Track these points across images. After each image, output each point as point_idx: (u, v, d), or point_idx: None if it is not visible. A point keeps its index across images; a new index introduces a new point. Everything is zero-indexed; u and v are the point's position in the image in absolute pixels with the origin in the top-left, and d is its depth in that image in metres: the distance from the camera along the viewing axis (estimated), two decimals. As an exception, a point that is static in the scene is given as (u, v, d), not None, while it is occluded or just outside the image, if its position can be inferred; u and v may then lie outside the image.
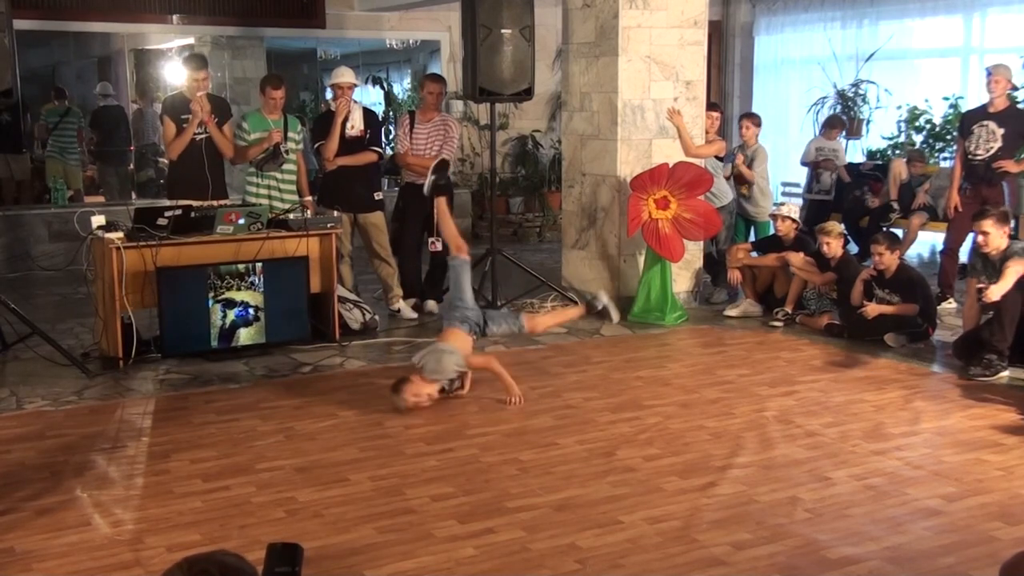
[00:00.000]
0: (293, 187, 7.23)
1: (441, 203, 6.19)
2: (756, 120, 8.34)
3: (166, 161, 7.49)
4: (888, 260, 6.53)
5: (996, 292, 5.77)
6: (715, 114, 7.92)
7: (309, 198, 7.29)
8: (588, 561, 3.52)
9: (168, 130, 7.02)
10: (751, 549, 3.60)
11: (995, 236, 5.92)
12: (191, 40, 11.11)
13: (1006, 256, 5.84)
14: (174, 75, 10.97)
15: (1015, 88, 7.69)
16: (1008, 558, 2.07)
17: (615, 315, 6.18)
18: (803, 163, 10.21)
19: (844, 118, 10.76)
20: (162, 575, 1.76)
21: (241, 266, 6.21)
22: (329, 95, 7.84)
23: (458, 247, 5.74)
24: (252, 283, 6.24)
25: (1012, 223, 6.20)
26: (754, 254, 7.64)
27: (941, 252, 7.91)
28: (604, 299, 5.99)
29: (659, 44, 7.32)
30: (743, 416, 5.12)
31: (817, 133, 10.66)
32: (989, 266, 5.94)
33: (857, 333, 6.58)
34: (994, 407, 5.27)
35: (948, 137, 10.24)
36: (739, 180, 8.19)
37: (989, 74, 7.34)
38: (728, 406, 5.29)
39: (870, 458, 4.52)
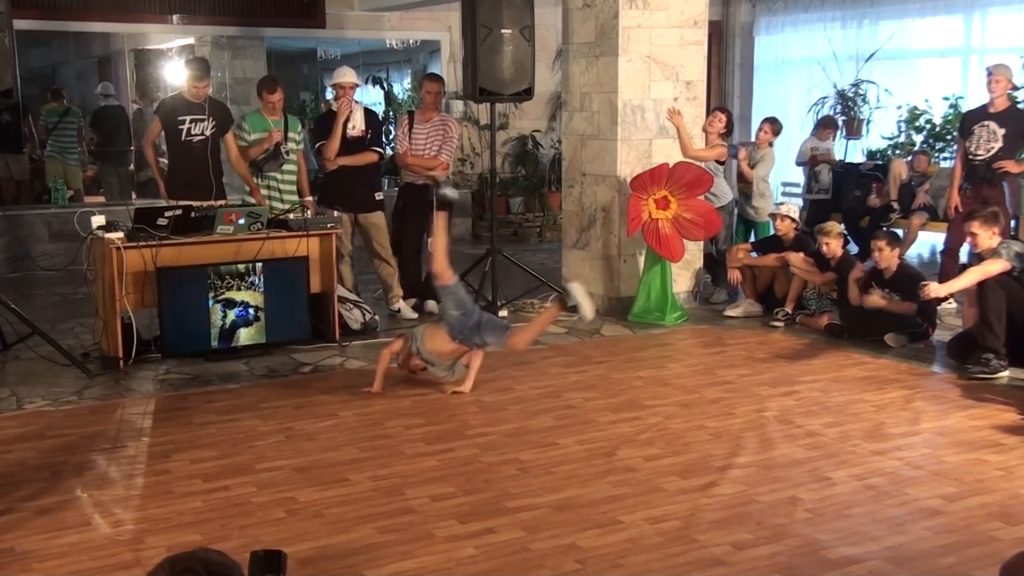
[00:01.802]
0: (293, 187, 7.24)
1: (440, 218, 5.75)
2: (776, 127, 8.33)
3: (166, 161, 7.50)
4: (888, 257, 6.53)
5: (940, 289, 5.83)
6: (721, 115, 7.89)
7: (309, 198, 7.30)
8: (588, 561, 3.51)
9: (153, 128, 7.13)
10: (751, 549, 3.60)
11: (983, 237, 5.94)
12: (191, 40, 11.12)
13: (992, 256, 5.86)
14: (174, 75, 10.98)
15: (1015, 88, 7.68)
16: (1008, 558, 2.07)
17: (588, 311, 5.36)
18: (799, 163, 10.23)
19: (839, 120, 10.78)
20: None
21: (241, 266, 6.21)
22: (330, 95, 7.84)
23: (440, 273, 5.51)
24: (252, 283, 6.24)
25: (1012, 223, 6.21)
26: (754, 254, 7.64)
27: (941, 252, 7.91)
28: (577, 293, 5.30)
29: (659, 44, 7.32)
30: (743, 416, 5.12)
31: (811, 133, 10.67)
32: None
33: (858, 332, 6.58)
34: (994, 407, 5.27)
35: (948, 137, 10.25)
36: (742, 178, 8.20)
37: (989, 74, 7.33)
38: (728, 406, 5.29)
39: (870, 458, 4.51)
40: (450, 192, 5.76)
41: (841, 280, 6.96)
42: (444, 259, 5.56)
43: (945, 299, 7.41)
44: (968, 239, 6.06)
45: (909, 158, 9.85)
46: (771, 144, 8.27)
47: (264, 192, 7.11)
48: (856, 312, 6.62)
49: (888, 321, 6.49)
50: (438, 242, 5.63)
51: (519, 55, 7.17)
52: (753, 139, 8.47)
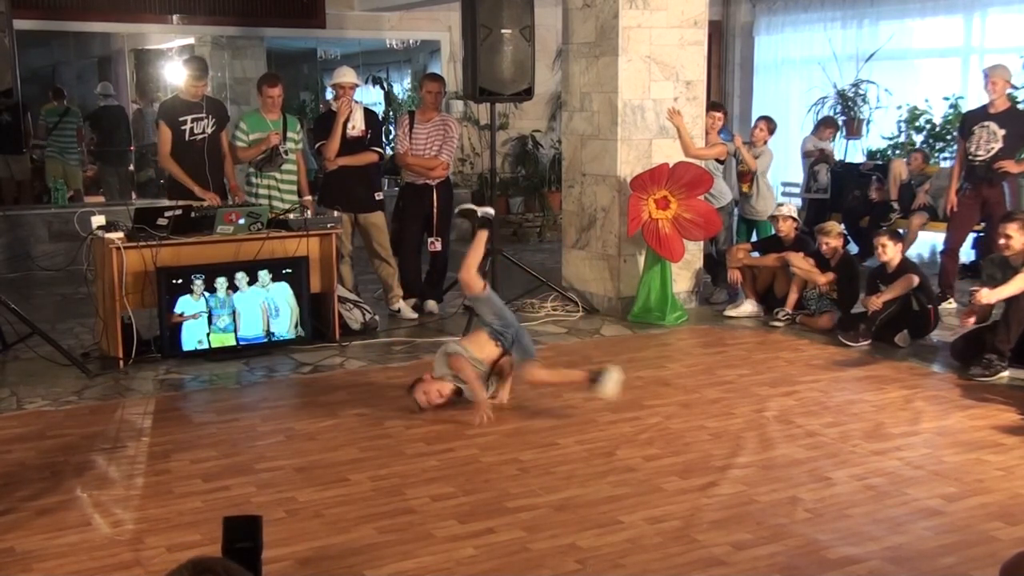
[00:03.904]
0: (293, 187, 7.23)
1: (481, 235, 5.65)
2: (771, 126, 8.32)
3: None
4: (891, 253, 6.52)
5: (991, 295, 5.76)
6: (718, 115, 7.90)
7: (309, 198, 7.30)
8: (588, 561, 3.52)
9: (164, 136, 6.95)
10: (751, 549, 3.60)
11: (1018, 240, 5.88)
12: (191, 40, 11.12)
13: None
14: (174, 75, 10.98)
15: (1014, 88, 7.67)
16: (1008, 558, 2.07)
17: (611, 394, 5.13)
18: (804, 153, 10.24)
19: (839, 120, 10.79)
20: (168, 574, 1.71)
21: (241, 266, 6.21)
22: (330, 95, 7.84)
23: (468, 283, 5.40)
24: (252, 283, 6.24)
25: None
26: (754, 254, 7.63)
27: (941, 252, 7.91)
28: (613, 376, 5.12)
29: (659, 44, 7.31)
30: (743, 416, 5.12)
31: (811, 132, 10.67)
32: (1011, 270, 5.86)
33: (879, 335, 6.54)
34: (994, 407, 5.27)
35: (948, 137, 10.25)
36: (742, 177, 8.18)
37: (986, 76, 7.34)
38: (728, 406, 5.29)
39: (870, 458, 4.52)
40: (488, 212, 5.81)
41: (841, 280, 6.96)
42: (473, 271, 5.41)
43: (945, 299, 7.46)
44: (1001, 240, 6.00)
45: (906, 158, 9.85)
46: (766, 143, 8.26)
47: (264, 192, 7.11)
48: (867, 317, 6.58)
49: (898, 320, 6.47)
50: (473, 256, 5.48)
51: (519, 55, 7.16)
52: (749, 139, 8.45)
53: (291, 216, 6.62)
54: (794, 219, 7.38)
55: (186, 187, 6.91)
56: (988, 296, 5.79)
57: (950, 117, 10.31)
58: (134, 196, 11.16)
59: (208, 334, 6.14)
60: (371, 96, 12.24)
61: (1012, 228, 5.91)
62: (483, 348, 5.21)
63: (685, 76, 7.45)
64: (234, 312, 6.19)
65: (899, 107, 10.88)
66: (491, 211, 5.91)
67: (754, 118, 10.46)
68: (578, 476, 4.31)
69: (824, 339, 6.70)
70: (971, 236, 8.30)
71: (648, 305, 7.23)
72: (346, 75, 7.25)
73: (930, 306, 6.53)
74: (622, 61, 7.22)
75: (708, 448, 4.66)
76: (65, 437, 4.85)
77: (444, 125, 7.48)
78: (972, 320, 5.95)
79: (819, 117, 10.96)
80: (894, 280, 6.51)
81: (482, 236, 5.61)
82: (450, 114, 9.41)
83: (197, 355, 6.15)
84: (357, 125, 7.24)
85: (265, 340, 6.32)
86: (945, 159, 10.16)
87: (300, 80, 13.16)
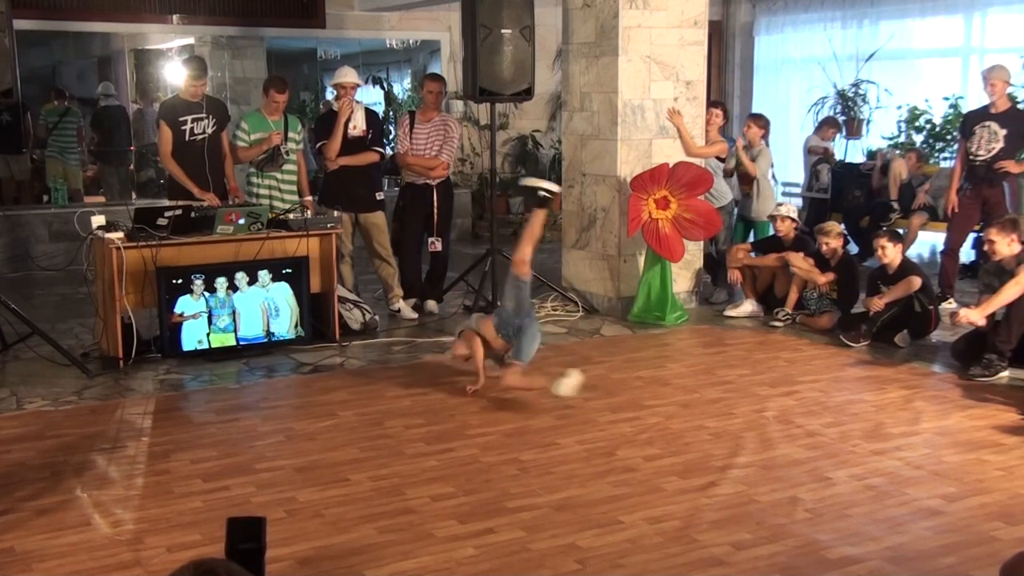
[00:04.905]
0: (294, 187, 7.24)
1: (538, 215, 5.61)
2: (761, 122, 8.28)
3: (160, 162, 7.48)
4: (891, 254, 6.52)
5: (971, 314, 5.73)
6: (717, 111, 7.89)
7: (309, 198, 7.30)
8: (588, 561, 3.52)
9: (164, 136, 6.93)
10: (751, 549, 3.60)
11: (1001, 244, 5.86)
12: (191, 40, 11.12)
13: (1020, 262, 5.80)
14: (174, 75, 10.99)
15: (1013, 87, 7.67)
16: (1008, 558, 2.07)
17: (564, 388, 5.18)
18: (808, 149, 10.23)
19: (839, 119, 10.80)
20: (170, 575, 1.73)
21: (241, 266, 6.21)
22: (331, 95, 7.84)
23: (520, 263, 5.46)
24: (253, 283, 6.24)
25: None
26: (754, 254, 7.63)
27: (941, 252, 7.91)
28: (573, 378, 5.22)
29: (659, 44, 7.31)
30: (743, 416, 5.12)
31: (813, 132, 10.67)
32: (1007, 275, 5.85)
33: (880, 336, 6.54)
34: (994, 407, 5.27)
35: (948, 137, 10.24)
36: (743, 179, 8.17)
37: (984, 78, 7.34)
38: (728, 406, 5.29)
39: (870, 458, 4.52)
40: (552, 188, 5.69)
41: (841, 280, 6.95)
42: (529, 253, 5.52)
43: (945, 299, 7.45)
44: (986, 247, 5.99)
45: (900, 153, 9.85)
46: (764, 140, 8.24)
47: (265, 192, 7.12)
48: (868, 317, 6.58)
49: (899, 319, 6.47)
50: (529, 236, 5.54)
51: (519, 55, 7.16)
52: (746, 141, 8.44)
53: (291, 216, 6.62)
54: (793, 219, 7.38)
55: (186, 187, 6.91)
56: (970, 315, 5.77)
57: (950, 117, 10.31)
58: (134, 196, 11.16)
59: (208, 334, 6.15)
60: (371, 96, 12.25)
61: (992, 233, 5.91)
62: (488, 332, 5.54)
63: (685, 76, 7.45)
64: (234, 312, 6.20)
65: (899, 107, 10.88)
66: (556, 188, 5.76)
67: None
68: (578, 476, 4.31)
69: (824, 339, 6.71)
70: (971, 236, 8.30)
71: (648, 305, 7.23)
72: (347, 75, 7.26)
73: (931, 307, 6.53)
74: (622, 61, 7.22)
75: (708, 448, 4.66)
76: (65, 437, 4.85)
77: (444, 125, 7.48)
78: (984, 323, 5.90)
79: (819, 117, 10.96)
80: (895, 281, 6.50)
81: (539, 217, 5.60)
82: (450, 114, 9.40)
83: (197, 355, 6.15)
84: (358, 125, 7.25)
85: (265, 340, 6.33)
86: (945, 159, 10.15)
87: (300, 80, 13.16)
